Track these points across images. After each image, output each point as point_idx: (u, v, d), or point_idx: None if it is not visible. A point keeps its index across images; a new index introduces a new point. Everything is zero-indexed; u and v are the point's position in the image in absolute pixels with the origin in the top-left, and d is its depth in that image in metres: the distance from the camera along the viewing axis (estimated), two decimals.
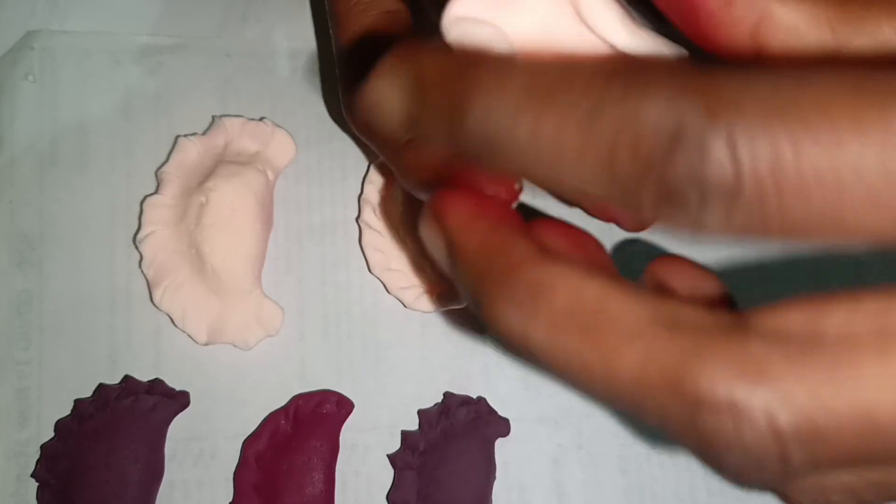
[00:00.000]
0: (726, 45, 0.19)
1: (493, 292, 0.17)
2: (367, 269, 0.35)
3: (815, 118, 0.13)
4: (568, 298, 0.16)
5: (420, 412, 0.34)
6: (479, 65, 0.17)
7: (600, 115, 0.15)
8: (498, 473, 0.34)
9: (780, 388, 0.14)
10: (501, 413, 0.34)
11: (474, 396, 0.34)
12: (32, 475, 0.32)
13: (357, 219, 0.35)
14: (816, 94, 0.14)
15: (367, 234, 0.34)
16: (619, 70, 0.15)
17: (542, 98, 0.15)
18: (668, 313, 0.15)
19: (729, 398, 0.14)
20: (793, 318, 0.15)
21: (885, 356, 0.14)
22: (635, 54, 0.19)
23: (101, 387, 0.33)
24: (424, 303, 0.34)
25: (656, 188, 0.14)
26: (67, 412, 0.33)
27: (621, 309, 0.16)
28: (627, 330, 0.15)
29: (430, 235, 0.19)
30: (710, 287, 0.20)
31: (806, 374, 0.14)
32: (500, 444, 0.34)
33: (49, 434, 0.33)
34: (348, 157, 0.36)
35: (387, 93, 0.18)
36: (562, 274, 0.16)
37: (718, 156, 0.14)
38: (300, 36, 0.37)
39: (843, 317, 0.15)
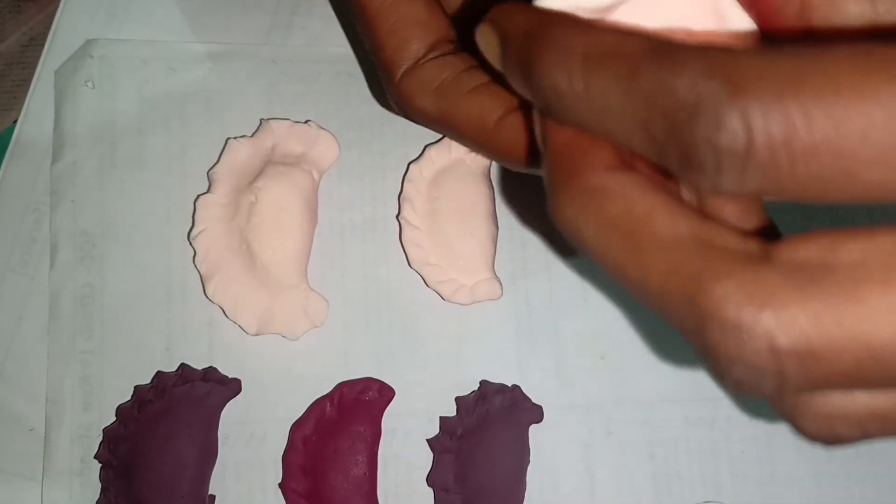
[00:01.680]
0: (781, 25, 0.20)
1: (560, 185, 0.19)
2: (406, 264, 0.36)
3: (825, 88, 0.15)
4: (619, 206, 0.18)
5: (457, 399, 0.35)
6: (551, 27, 0.19)
7: (638, 84, 0.17)
8: (532, 458, 0.35)
9: (783, 313, 0.15)
10: (535, 400, 0.36)
11: (509, 384, 0.36)
12: (95, 457, 0.34)
13: (397, 216, 0.37)
14: (828, 67, 0.15)
15: (406, 230, 0.36)
16: (658, 47, 0.17)
17: (595, 63, 0.18)
18: (703, 234, 0.17)
19: (735, 317, 0.16)
20: (810, 249, 0.16)
21: (889, 287, 0.15)
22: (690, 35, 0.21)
23: (159, 374, 0.35)
24: (461, 296, 0.36)
25: (680, 151, 0.16)
26: (128, 398, 0.35)
27: (662, 223, 0.17)
28: (662, 242, 0.17)
29: (536, 125, 0.21)
30: (757, 219, 0.22)
31: (811, 301, 0.15)
32: (533, 429, 0.35)
33: (111, 418, 0.34)
34: (388, 158, 0.38)
35: (487, 40, 0.21)
36: (621, 183, 0.18)
37: (732, 126, 0.15)
38: (342, 43, 0.39)
39: (856, 249, 0.16)
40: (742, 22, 0.21)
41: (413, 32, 0.28)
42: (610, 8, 0.21)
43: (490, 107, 0.26)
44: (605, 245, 0.18)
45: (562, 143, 0.19)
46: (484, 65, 0.26)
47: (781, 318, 0.15)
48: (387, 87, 0.29)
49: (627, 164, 0.19)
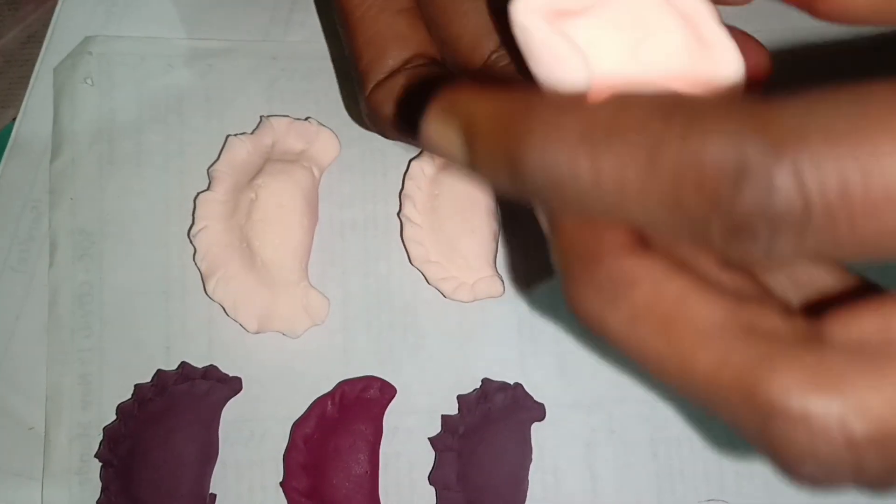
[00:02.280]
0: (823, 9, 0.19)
1: (578, 276, 0.17)
2: (407, 262, 0.36)
3: (880, 136, 0.14)
4: (649, 293, 0.16)
5: (459, 397, 0.35)
6: (530, 108, 0.16)
7: (661, 155, 0.15)
8: (534, 456, 0.35)
9: (854, 398, 0.14)
10: (537, 398, 0.36)
11: (511, 383, 0.36)
12: (96, 455, 0.34)
13: (398, 213, 0.37)
14: (879, 112, 0.14)
15: (407, 227, 0.36)
16: (676, 108, 0.15)
17: (600, 140, 0.15)
18: (745, 318, 0.16)
19: (802, 409, 0.14)
20: (867, 324, 0.15)
21: None
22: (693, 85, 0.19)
23: (159, 372, 0.35)
24: (463, 293, 0.36)
25: (725, 224, 0.15)
26: (128, 396, 0.35)
27: (699, 309, 0.16)
28: (704, 331, 0.16)
29: (539, 213, 0.19)
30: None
31: (881, 383, 0.14)
32: (535, 428, 0.35)
33: (111, 417, 0.34)
34: (389, 155, 0.37)
35: (441, 135, 0.18)
36: (645, 268, 0.16)
37: (785, 188, 0.14)
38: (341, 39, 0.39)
39: None
40: (728, 57, 0.19)
41: (390, 45, 0.28)
42: (579, 12, 0.19)
43: None
44: (638, 338, 0.16)
45: (572, 227, 0.17)
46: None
47: (853, 404, 0.14)
48: (359, 96, 0.29)
49: (645, 243, 0.17)
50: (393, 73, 0.27)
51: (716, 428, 0.36)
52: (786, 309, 0.16)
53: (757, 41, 0.21)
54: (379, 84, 0.27)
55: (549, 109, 0.16)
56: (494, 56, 0.28)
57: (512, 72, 0.27)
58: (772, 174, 0.14)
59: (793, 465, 0.15)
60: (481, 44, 0.28)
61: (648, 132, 0.15)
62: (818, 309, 0.16)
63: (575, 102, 0.16)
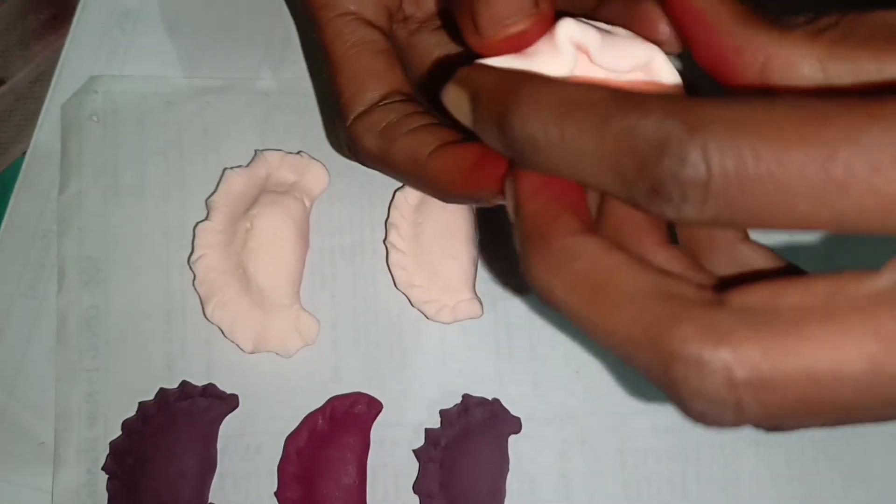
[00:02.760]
0: (741, 84, 0.22)
1: (531, 250, 0.21)
2: (392, 286, 0.38)
3: (772, 130, 0.17)
4: (586, 265, 0.20)
5: (441, 412, 0.38)
6: (522, 83, 0.21)
7: (609, 127, 0.19)
8: (511, 466, 0.37)
9: (737, 349, 0.17)
10: (514, 412, 0.38)
11: (489, 398, 0.38)
12: (102, 468, 0.36)
13: (384, 240, 0.39)
14: (775, 113, 0.17)
15: (392, 253, 0.38)
16: (624, 96, 0.19)
17: (567, 113, 0.20)
18: (663, 286, 0.19)
19: (697, 355, 0.17)
20: (757, 295, 0.18)
21: (825, 325, 0.17)
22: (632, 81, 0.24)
23: (161, 390, 0.37)
24: (444, 315, 0.38)
25: (648, 185, 0.18)
26: (132, 413, 0.37)
27: (626, 278, 0.19)
28: (626, 295, 0.19)
29: (508, 197, 0.23)
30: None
31: (761, 339, 0.17)
32: (512, 440, 0.38)
33: (116, 432, 0.37)
34: (375, 185, 0.39)
35: (456, 98, 0.23)
36: (587, 245, 0.20)
37: (694, 161, 0.17)
38: (326, 77, 0.41)
39: (797, 295, 0.18)
40: (671, 78, 0.24)
41: (370, 82, 0.30)
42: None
43: (425, 142, 0.28)
44: (575, 302, 0.20)
45: (532, 211, 0.21)
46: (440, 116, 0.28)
47: (737, 353, 0.17)
48: (340, 128, 0.31)
49: (592, 229, 0.21)
50: (371, 107, 0.30)
51: (681, 438, 0.39)
52: (703, 282, 0.20)
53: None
54: (358, 116, 0.30)
55: (533, 86, 0.21)
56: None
57: None
58: (685, 149, 0.17)
59: (687, 403, 0.18)
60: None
61: (603, 109, 0.19)
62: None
63: (553, 83, 0.21)
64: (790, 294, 0.18)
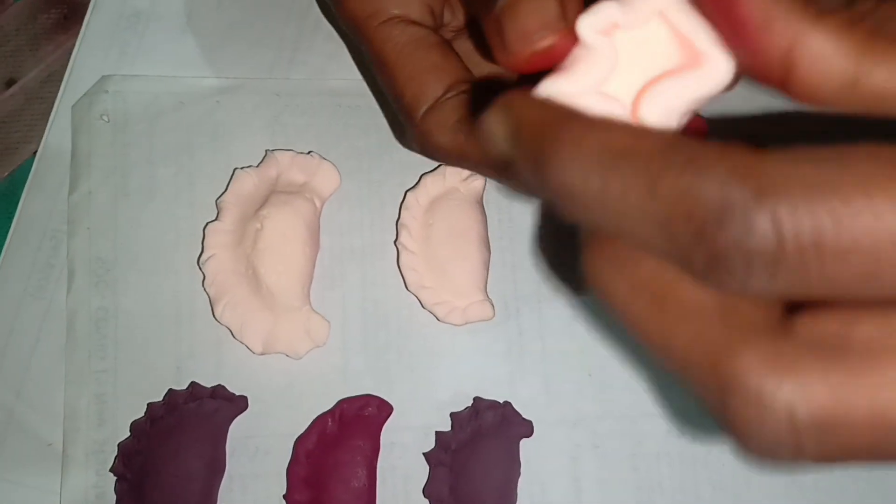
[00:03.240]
0: (759, 64, 0.20)
1: (595, 248, 0.19)
2: (403, 287, 0.38)
3: (854, 194, 0.15)
4: (649, 271, 0.18)
5: (452, 415, 0.37)
6: (563, 123, 0.19)
7: (660, 186, 0.17)
8: (522, 470, 0.37)
9: (802, 386, 0.16)
10: (525, 416, 0.37)
11: (500, 401, 0.38)
12: (111, 470, 0.36)
13: (395, 241, 0.39)
14: (854, 168, 0.15)
15: (403, 255, 0.38)
16: (676, 147, 0.17)
17: (611, 163, 0.17)
18: (728, 305, 0.17)
19: (757, 388, 0.16)
20: (829, 323, 0.16)
21: None
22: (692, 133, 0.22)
23: (170, 392, 0.37)
24: (455, 317, 0.38)
25: (706, 255, 0.16)
26: (141, 414, 0.37)
27: (689, 290, 0.17)
28: (688, 310, 0.17)
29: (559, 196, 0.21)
30: None
31: (830, 375, 0.16)
32: (523, 443, 0.37)
33: (125, 433, 0.36)
34: (386, 186, 0.40)
35: (494, 130, 0.21)
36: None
37: (762, 230, 0.15)
38: (341, 76, 0.41)
39: (872, 326, 0.16)
40: (690, 27, 0.22)
41: (430, 76, 0.29)
42: (605, 79, 0.22)
43: None
44: (634, 307, 0.18)
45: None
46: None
47: (802, 391, 0.16)
48: (408, 128, 0.30)
49: None
50: (438, 102, 0.29)
51: (694, 442, 0.38)
52: (768, 302, 0.18)
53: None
54: (427, 113, 0.29)
55: (577, 127, 0.19)
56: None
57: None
58: (751, 216, 0.16)
59: (744, 438, 0.17)
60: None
61: (652, 163, 0.17)
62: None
63: (599, 125, 0.18)
64: (865, 325, 0.16)
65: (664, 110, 0.22)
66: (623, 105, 0.22)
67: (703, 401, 0.17)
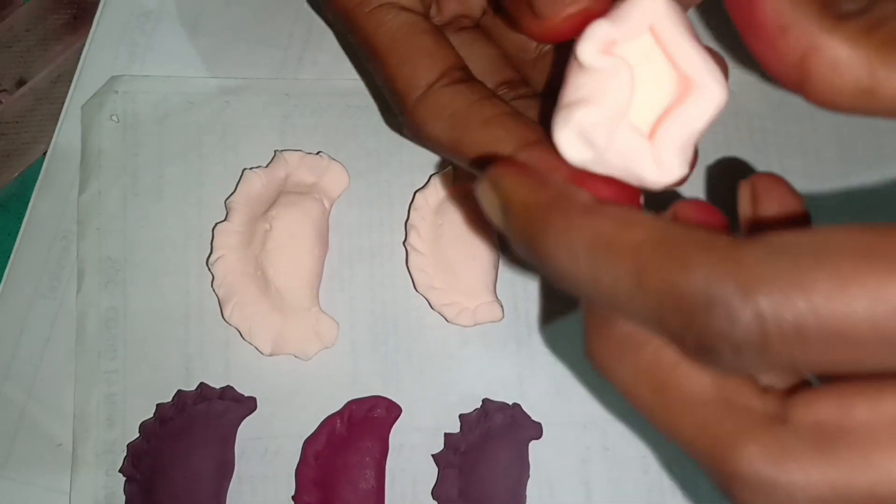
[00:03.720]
0: (776, 67, 0.20)
1: (596, 332, 0.20)
2: (412, 288, 0.38)
3: (829, 286, 0.16)
4: (649, 356, 0.19)
5: (461, 416, 0.37)
6: (552, 209, 0.20)
7: (647, 278, 0.18)
8: (531, 472, 0.37)
9: (802, 477, 0.17)
10: (535, 418, 0.37)
11: (510, 403, 0.37)
12: (120, 470, 0.36)
13: (404, 242, 0.38)
14: (830, 259, 0.16)
15: (412, 256, 0.38)
16: (661, 239, 0.18)
17: (600, 253, 0.18)
18: (726, 391, 0.18)
19: (758, 481, 0.17)
20: (826, 409, 0.17)
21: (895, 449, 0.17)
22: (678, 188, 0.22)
23: (179, 392, 0.37)
24: (464, 318, 0.37)
25: (696, 341, 0.18)
26: (150, 415, 0.37)
27: (688, 379, 0.19)
28: (689, 400, 0.19)
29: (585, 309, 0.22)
30: (794, 206, 0.23)
31: (828, 466, 0.17)
32: (533, 445, 0.37)
33: (134, 434, 0.36)
34: (395, 187, 0.39)
35: (488, 203, 0.22)
36: (648, 335, 0.19)
37: (745, 322, 0.16)
38: (351, 76, 0.41)
39: (865, 411, 0.17)
40: (677, 43, 0.22)
41: (423, 61, 0.28)
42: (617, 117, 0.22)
43: (503, 140, 0.26)
44: (638, 392, 0.19)
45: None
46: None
47: (802, 480, 0.17)
48: (400, 116, 0.29)
49: None
50: (431, 89, 0.28)
51: None
52: (763, 387, 0.19)
53: (715, 210, 0.23)
54: (419, 100, 0.28)
55: (563, 216, 0.19)
56: (503, 90, 0.31)
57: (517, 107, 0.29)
58: (735, 311, 0.17)
59: None
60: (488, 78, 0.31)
61: (638, 257, 0.18)
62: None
63: (586, 214, 0.19)
64: (859, 408, 0.17)
65: (679, 147, 0.22)
66: (643, 135, 0.22)
67: (712, 482, 0.19)
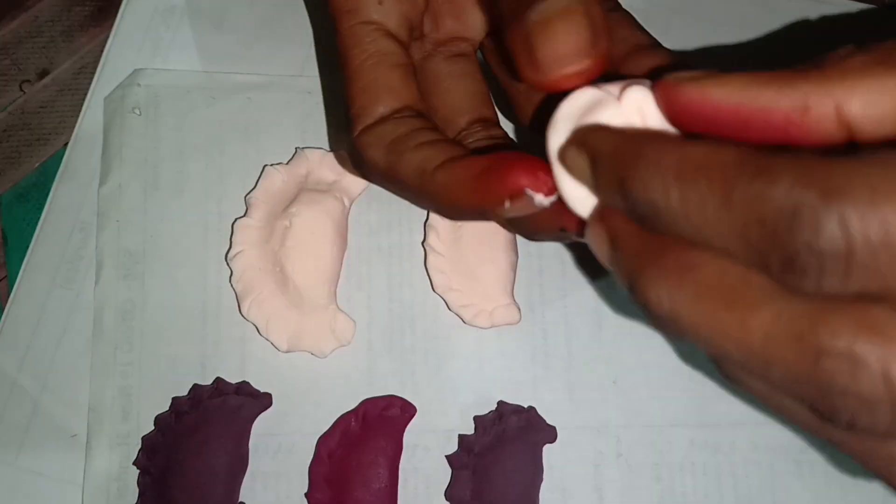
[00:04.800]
0: (821, 141, 0.20)
1: (647, 269, 0.20)
2: (430, 289, 0.38)
3: None
4: (713, 273, 0.19)
5: (476, 418, 0.37)
6: (641, 143, 0.20)
7: (734, 195, 0.18)
8: (545, 476, 0.37)
9: (894, 343, 0.16)
10: (549, 421, 0.37)
11: (525, 406, 0.38)
12: (134, 463, 0.36)
13: (422, 242, 0.39)
14: None
15: (431, 256, 0.38)
16: (749, 157, 0.18)
17: (689, 177, 0.19)
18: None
19: (848, 349, 0.17)
20: None
21: None
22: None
23: (195, 387, 0.37)
24: (481, 320, 0.37)
25: (781, 256, 0.17)
26: (165, 408, 0.37)
27: (759, 281, 0.18)
28: (763, 296, 0.18)
29: (595, 234, 0.22)
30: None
31: None
32: (547, 449, 0.37)
33: (149, 427, 0.36)
34: None
35: (576, 161, 0.22)
36: (709, 254, 0.19)
37: (831, 231, 0.16)
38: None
39: None
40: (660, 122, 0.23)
41: (383, 95, 0.29)
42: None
43: (432, 156, 0.27)
44: (703, 313, 0.19)
45: (635, 235, 0.21)
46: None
47: (893, 348, 0.16)
48: (348, 136, 0.30)
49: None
50: (381, 120, 0.29)
51: (719, 454, 0.38)
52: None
53: None
54: (367, 128, 0.29)
55: (653, 147, 0.20)
56: (464, 133, 0.32)
57: (481, 147, 0.31)
58: (819, 219, 0.16)
59: (837, 400, 0.17)
60: (454, 120, 0.32)
61: (727, 173, 0.18)
62: None
63: (676, 144, 0.20)
64: None
65: None
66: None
67: (791, 377, 0.18)
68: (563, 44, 0.23)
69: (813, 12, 0.43)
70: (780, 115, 0.19)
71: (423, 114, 0.29)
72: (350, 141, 0.30)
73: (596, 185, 0.22)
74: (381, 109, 0.29)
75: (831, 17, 0.43)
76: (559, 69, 0.23)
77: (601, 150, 0.21)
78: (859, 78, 0.19)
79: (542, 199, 0.24)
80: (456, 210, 0.27)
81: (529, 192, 0.24)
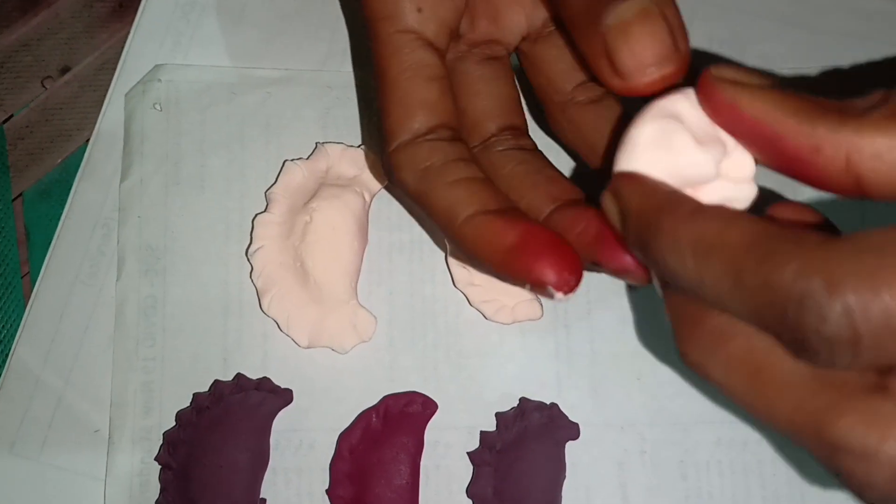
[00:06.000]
0: (829, 183, 0.21)
1: (686, 332, 0.22)
2: (451, 284, 0.38)
3: None
4: (741, 346, 0.20)
5: (497, 415, 0.37)
6: (662, 214, 0.21)
7: (744, 277, 0.19)
8: (567, 474, 0.36)
9: None
10: (572, 418, 0.37)
11: (547, 402, 0.37)
12: (156, 458, 0.36)
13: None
14: None
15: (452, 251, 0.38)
16: (757, 241, 0.19)
17: (702, 255, 0.20)
18: (822, 372, 0.19)
19: (861, 448, 0.18)
20: None
21: None
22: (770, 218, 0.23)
23: (216, 382, 0.37)
24: (503, 315, 0.37)
25: (792, 337, 0.18)
26: (187, 404, 0.37)
27: (783, 361, 0.20)
28: (786, 380, 0.19)
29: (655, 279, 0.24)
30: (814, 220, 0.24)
31: None
32: (570, 446, 0.37)
33: (170, 423, 0.36)
34: None
35: (609, 210, 0.24)
36: (738, 324, 0.20)
37: (835, 319, 0.17)
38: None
39: None
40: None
41: (419, 111, 0.28)
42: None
43: (464, 202, 0.27)
44: (733, 383, 0.20)
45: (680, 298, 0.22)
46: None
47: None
48: (381, 149, 0.29)
49: None
50: (416, 139, 0.28)
51: (746, 452, 0.37)
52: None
53: (814, 211, 0.24)
54: (401, 146, 0.28)
55: (671, 219, 0.21)
56: (493, 139, 0.31)
57: (508, 156, 0.31)
58: (824, 307, 0.17)
59: (859, 491, 0.19)
60: (482, 124, 0.31)
61: (737, 255, 0.19)
62: None
63: (690, 217, 0.21)
64: None
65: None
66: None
67: (815, 459, 0.19)
68: (645, 50, 0.23)
69: None
70: (792, 148, 0.21)
71: (458, 136, 0.29)
72: (384, 156, 0.29)
73: (625, 237, 0.23)
74: (416, 125, 0.28)
75: None
76: (641, 77, 0.23)
77: (629, 206, 0.23)
78: (874, 132, 0.19)
79: (560, 297, 0.25)
80: (475, 264, 0.28)
81: (551, 289, 0.25)
